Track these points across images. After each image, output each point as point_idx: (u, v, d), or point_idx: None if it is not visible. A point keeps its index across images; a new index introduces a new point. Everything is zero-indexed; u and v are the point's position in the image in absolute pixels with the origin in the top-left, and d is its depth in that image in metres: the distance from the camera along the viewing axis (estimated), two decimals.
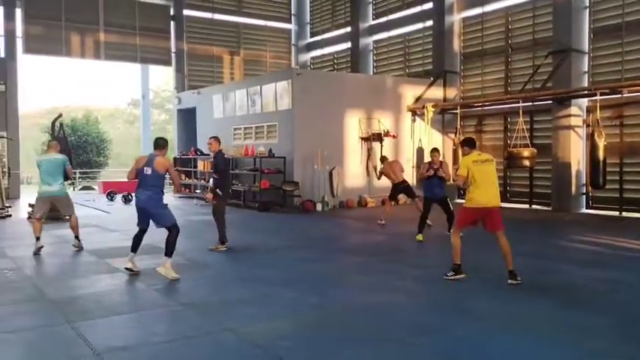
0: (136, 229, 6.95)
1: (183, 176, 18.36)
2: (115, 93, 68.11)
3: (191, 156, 18.53)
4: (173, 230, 6.72)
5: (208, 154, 12.67)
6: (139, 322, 5.16)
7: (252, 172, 15.44)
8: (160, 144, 6.89)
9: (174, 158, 20.88)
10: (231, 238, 8.82)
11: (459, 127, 14.95)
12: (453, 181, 7.07)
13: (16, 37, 18.89)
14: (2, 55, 18.69)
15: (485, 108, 16.27)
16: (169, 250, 6.63)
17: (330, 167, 14.69)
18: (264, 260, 8.04)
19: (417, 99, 16.69)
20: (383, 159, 11.99)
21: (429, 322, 5.11)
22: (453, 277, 6.45)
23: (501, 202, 6.81)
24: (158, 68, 25.38)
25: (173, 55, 21.93)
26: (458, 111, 15.25)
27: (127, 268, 6.87)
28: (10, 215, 13.13)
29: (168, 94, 41.59)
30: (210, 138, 9.01)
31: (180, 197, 18.61)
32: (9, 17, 18.77)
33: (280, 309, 5.51)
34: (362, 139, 15.71)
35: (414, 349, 4.42)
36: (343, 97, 15.49)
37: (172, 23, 21.86)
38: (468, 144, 6.74)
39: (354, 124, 15.66)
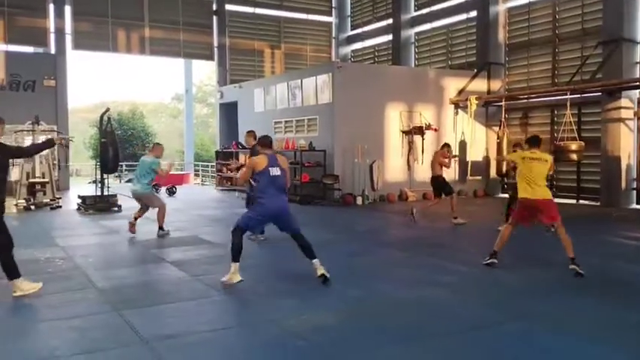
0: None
1: (225, 169, 18.64)
2: (159, 88, 69.69)
3: (233, 150, 18.77)
4: (299, 233, 6.20)
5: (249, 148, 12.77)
6: (184, 312, 5.26)
7: (293, 166, 15.50)
8: (268, 143, 6.35)
9: (217, 152, 21.22)
10: (271, 230, 8.87)
11: (503, 119, 14.62)
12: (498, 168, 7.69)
13: (65, 34, 19.52)
14: (53, 51, 19.35)
15: (531, 100, 15.85)
16: (312, 253, 6.10)
17: (370, 160, 14.61)
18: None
19: (460, 91, 16.39)
20: (444, 145, 11.55)
21: (476, 318, 5.02)
22: (486, 261, 6.81)
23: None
24: (201, 63, 25.81)
25: (215, 49, 22.22)
26: (502, 103, 14.90)
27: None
28: (60, 206, 13.60)
29: (210, 89, 42.24)
30: (247, 132, 9.14)
31: (222, 190, 18.90)
32: (59, 14, 19.39)
33: (323, 301, 5.52)
34: (403, 132, 15.56)
35: (463, 345, 4.36)
36: (384, 90, 15.36)
37: (215, 18, 22.14)
38: (529, 142, 7.15)
39: (395, 118, 15.52)
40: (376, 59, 22.59)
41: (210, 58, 22.69)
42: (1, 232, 5.64)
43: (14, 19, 18.72)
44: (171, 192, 17.04)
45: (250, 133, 9.17)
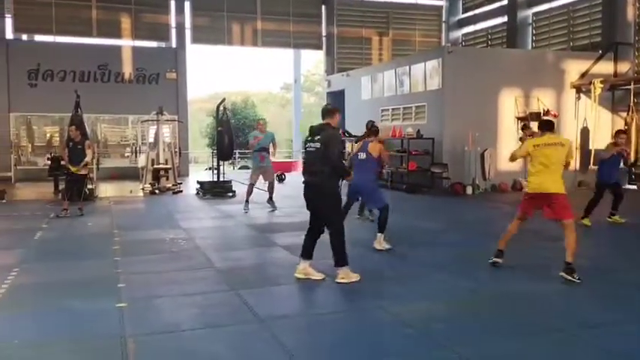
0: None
1: None
2: (268, 78, 72.02)
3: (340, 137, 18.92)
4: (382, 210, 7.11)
5: (356, 136, 12.84)
6: (296, 294, 5.44)
7: (400, 154, 15.36)
8: (374, 130, 7.33)
9: None
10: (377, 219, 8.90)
11: (632, 104, 13.40)
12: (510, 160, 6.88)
13: (185, 29, 20.75)
14: (174, 46, 20.66)
15: None
16: (382, 227, 7.11)
17: (482, 149, 14.08)
18: (413, 241, 7.99)
19: (583, 75, 15.25)
20: (524, 127, 11.33)
21: (593, 315, 4.72)
22: (491, 260, 6.31)
23: None
24: (309, 52, 26.24)
25: (324, 39, 22.51)
26: (631, 87, 13.65)
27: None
28: (181, 191, 14.55)
29: (317, 78, 42.86)
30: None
31: None
32: (179, 10, 20.66)
33: (432, 291, 5.45)
34: (518, 118, 14.79)
35: (580, 343, 4.11)
36: (498, 74, 14.68)
37: (324, 8, 22.40)
38: (542, 126, 6.42)
39: (509, 103, 14.79)
40: (490, 42, 21.63)
41: (318, 47, 23.03)
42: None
43: (140, 16, 20.22)
44: (280, 179, 17.59)
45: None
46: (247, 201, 10.59)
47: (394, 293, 5.36)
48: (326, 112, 5.70)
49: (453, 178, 14.20)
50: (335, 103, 21.01)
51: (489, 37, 21.71)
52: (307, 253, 5.78)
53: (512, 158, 6.60)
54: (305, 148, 5.70)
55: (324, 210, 5.60)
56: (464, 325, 4.48)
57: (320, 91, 39.72)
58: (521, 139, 11.83)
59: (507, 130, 14.78)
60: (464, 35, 23.25)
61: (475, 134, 14.00)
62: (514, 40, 19.51)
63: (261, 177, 10.83)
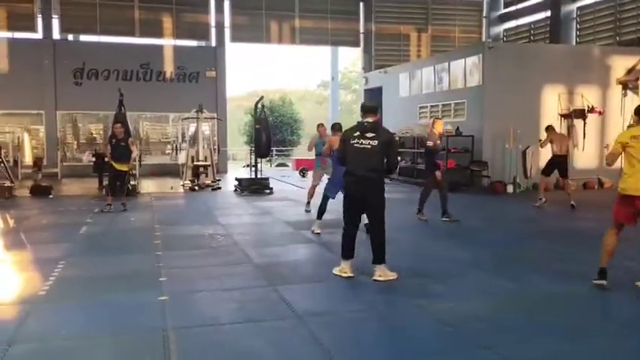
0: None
1: None
2: (305, 75, 72.20)
3: None
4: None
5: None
6: (332, 291, 5.44)
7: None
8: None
9: None
10: (415, 218, 8.84)
11: None
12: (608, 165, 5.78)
13: (224, 28, 21.01)
14: (213, 44, 20.95)
15: None
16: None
17: (523, 146, 13.76)
18: (453, 239, 7.89)
19: (630, 70, 14.73)
20: (548, 128, 11.30)
21: (637, 320, 4.56)
22: (595, 282, 5.30)
23: None
24: (346, 50, 26.21)
25: (361, 36, 22.43)
26: None
27: None
28: (219, 187, 14.76)
29: (354, 75, 42.73)
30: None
31: None
32: (219, 9, 20.93)
33: (472, 290, 5.37)
34: (561, 115, 14.39)
35: (621, 348, 3.97)
36: (540, 70, 14.31)
37: (361, 4, 22.32)
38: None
39: (552, 100, 14.41)
40: (532, 38, 21.13)
41: (356, 44, 22.97)
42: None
43: (181, 16, 20.58)
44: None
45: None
46: (309, 202, 10.45)
47: (433, 292, 5.30)
48: (371, 109, 5.79)
49: (493, 177, 13.94)
50: (373, 101, 20.94)
51: (532, 32, 21.22)
52: (352, 252, 5.80)
53: (611, 158, 5.40)
54: (352, 144, 5.64)
55: (378, 205, 5.65)
56: (506, 326, 4.39)
57: (357, 88, 39.61)
58: (541, 144, 11.52)
59: None
60: (505, 31, 22.79)
61: (517, 131, 13.70)
62: (557, 35, 19.01)
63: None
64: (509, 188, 13.70)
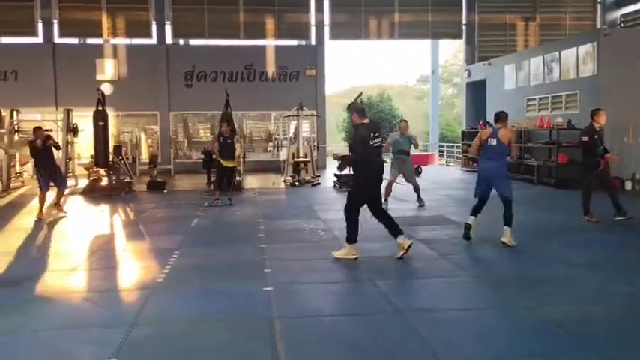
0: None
1: None
2: (403, 70, 71.36)
3: (480, 129, 18.21)
4: (507, 204, 6.99)
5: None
6: (434, 288, 5.37)
7: (547, 146, 14.38)
8: (502, 117, 7.24)
9: (462, 132, 20.88)
10: (521, 216, 8.43)
11: None
12: None
13: (324, 26, 21.31)
14: (313, 43, 21.32)
15: None
16: (509, 222, 6.98)
17: None
18: (563, 240, 7.46)
19: None
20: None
21: None
22: None
23: None
24: (446, 42, 25.56)
25: (464, 27, 21.77)
26: None
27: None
28: (319, 183, 15.03)
29: (455, 68, 41.62)
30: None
31: (467, 171, 18.58)
32: (318, 8, 21.26)
33: (584, 292, 5.07)
34: None
35: None
36: None
37: None
38: None
39: None
40: None
41: (457, 36, 22.35)
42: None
43: (282, 17, 21.15)
44: (417, 172, 17.36)
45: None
46: (386, 200, 10.41)
47: (543, 293, 5.07)
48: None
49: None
50: (475, 95, 20.28)
51: None
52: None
53: None
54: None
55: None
56: (621, 331, 4.12)
57: (458, 81, 38.51)
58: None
59: None
60: (622, 16, 21.09)
61: (637, 123, 12.64)
62: None
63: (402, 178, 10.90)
64: (628, 185, 12.69)
